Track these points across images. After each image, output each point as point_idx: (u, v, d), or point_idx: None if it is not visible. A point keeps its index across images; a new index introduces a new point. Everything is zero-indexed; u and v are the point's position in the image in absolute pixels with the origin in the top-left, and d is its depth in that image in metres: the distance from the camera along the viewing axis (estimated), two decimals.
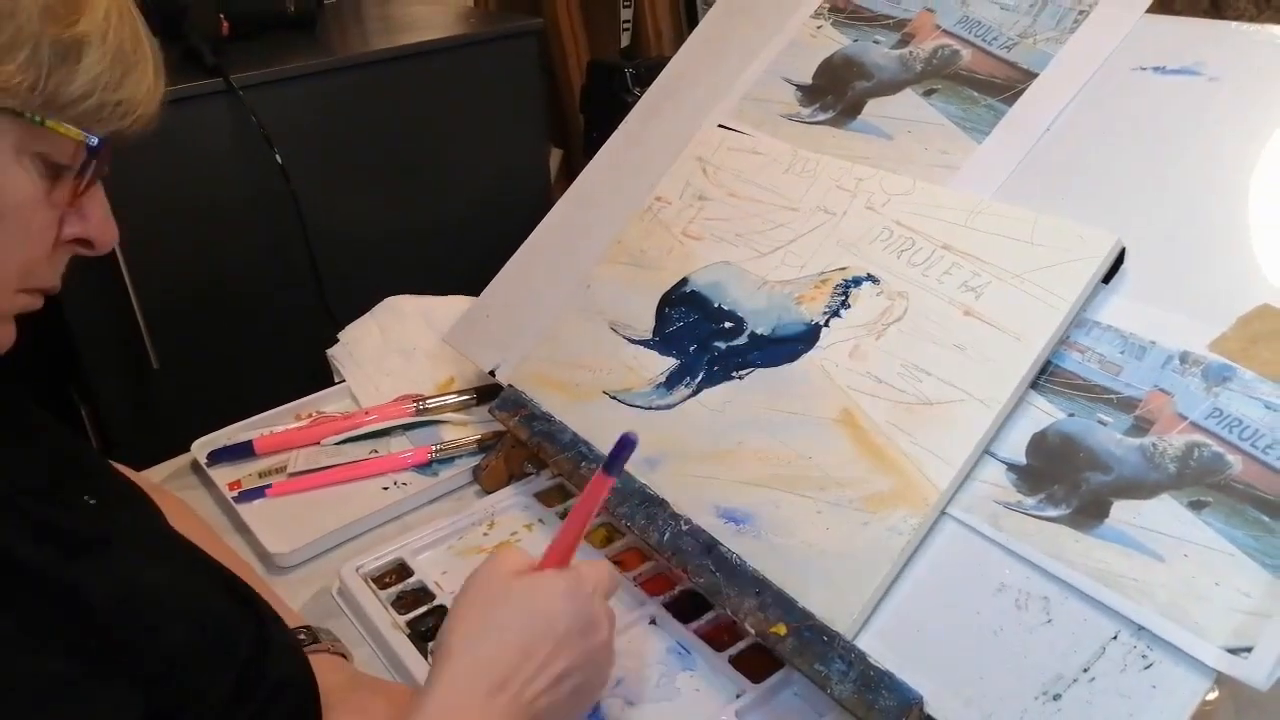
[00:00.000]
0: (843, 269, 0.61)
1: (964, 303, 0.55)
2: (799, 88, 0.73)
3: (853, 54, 0.72)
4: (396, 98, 1.13)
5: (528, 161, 1.28)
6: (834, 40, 0.74)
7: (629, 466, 0.62)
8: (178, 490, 0.75)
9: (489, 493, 0.73)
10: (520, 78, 1.21)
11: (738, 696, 0.54)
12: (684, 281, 0.68)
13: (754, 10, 0.80)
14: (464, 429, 0.80)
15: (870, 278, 0.60)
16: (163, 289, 1.01)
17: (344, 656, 0.57)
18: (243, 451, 0.79)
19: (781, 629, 0.51)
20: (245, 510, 0.73)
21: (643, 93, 0.85)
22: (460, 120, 1.18)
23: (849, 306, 0.60)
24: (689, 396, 0.63)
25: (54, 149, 0.38)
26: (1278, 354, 0.46)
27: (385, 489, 0.75)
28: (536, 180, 1.30)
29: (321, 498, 0.75)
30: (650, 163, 0.77)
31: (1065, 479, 0.49)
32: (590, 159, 0.84)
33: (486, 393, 0.81)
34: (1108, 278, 0.53)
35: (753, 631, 0.53)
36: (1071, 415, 0.51)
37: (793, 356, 0.60)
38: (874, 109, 0.68)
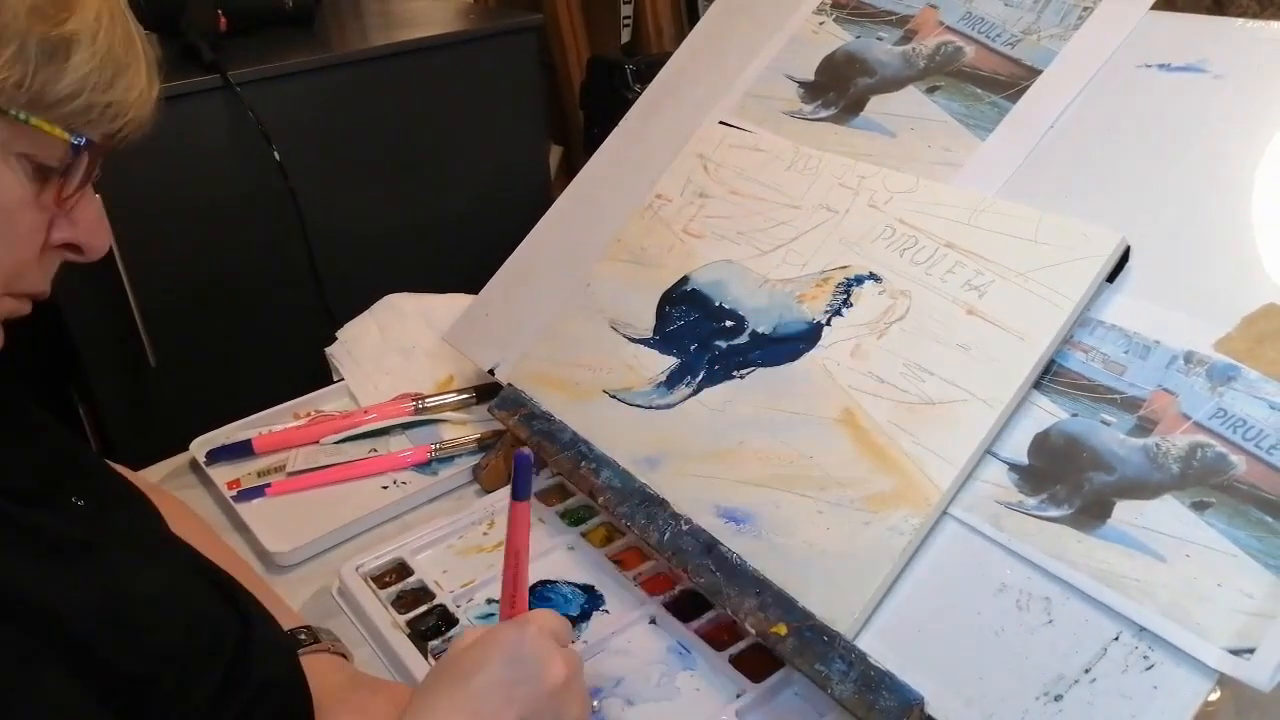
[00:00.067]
0: (845, 267, 0.61)
1: (967, 302, 0.55)
2: (801, 84, 0.73)
3: (855, 50, 0.71)
4: (395, 94, 1.12)
5: (527, 158, 1.28)
6: (836, 36, 0.73)
7: (630, 467, 0.62)
8: (176, 489, 0.75)
9: (489, 492, 0.73)
10: (520, 74, 1.21)
11: (738, 696, 0.54)
12: (685, 280, 0.68)
13: (755, 6, 0.80)
14: (463, 428, 0.80)
15: (872, 276, 0.59)
16: (160, 287, 1.00)
17: (344, 656, 0.57)
18: (241, 450, 0.78)
19: (782, 629, 0.51)
20: (244, 509, 0.72)
21: (643, 89, 0.85)
22: (460, 117, 1.18)
23: (851, 305, 0.59)
24: (689, 396, 0.62)
25: (42, 150, 0.37)
26: None
27: (385, 488, 0.75)
28: (536, 177, 1.29)
29: (321, 497, 0.74)
30: (651, 160, 0.76)
31: (1068, 479, 0.49)
32: (590, 156, 0.83)
33: (486, 391, 0.81)
34: (1112, 276, 0.53)
35: (753, 631, 0.52)
36: (1075, 415, 0.50)
37: (794, 356, 0.60)
38: (876, 106, 0.68)
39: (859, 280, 0.60)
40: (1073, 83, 0.61)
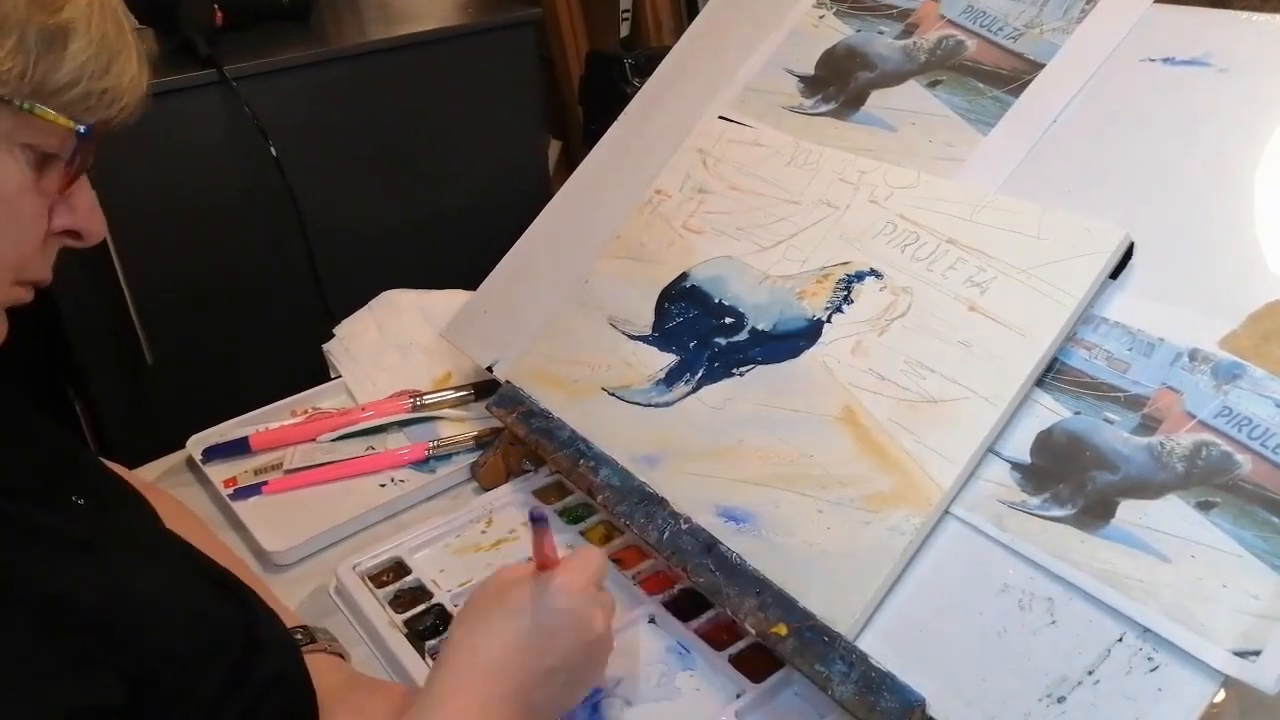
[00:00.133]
0: (845, 264, 0.60)
1: (969, 298, 0.54)
2: (801, 79, 0.72)
3: (856, 44, 0.71)
4: (393, 89, 1.12)
5: (526, 153, 1.27)
6: (836, 30, 0.72)
7: (629, 465, 0.62)
8: (172, 487, 0.74)
9: (487, 490, 0.73)
10: (518, 68, 1.20)
11: (738, 696, 0.54)
12: (684, 276, 0.67)
13: (755, 0, 0.79)
14: (461, 425, 0.80)
15: (873, 273, 0.59)
16: (157, 284, 1.00)
17: (341, 656, 0.56)
18: (238, 448, 0.78)
19: (782, 629, 0.51)
20: (241, 508, 0.72)
21: (642, 84, 0.84)
22: (458, 112, 1.17)
23: (852, 302, 0.59)
24: (689, 393, 0.62)
25: (41, 138, 0.38)
26: None
27: (382, 486, 0.75)
28: (535, 172, 1.29)
29: (318, 495, 0.74)
30: (650, 155, 0.76)
31: (1071, 478, 0.48)
32: (589, 151, 0.83)
33: (484, 389, 0.81)
34: (1115, 273, 0.52)
35: (753, 631, 0.52)
36: (1078, 413, 0.50)
37: (794, 353, 0.59)
38: (877, 100, 0.67)
39: (860, 277, 0.59)
40: (1076, 77, 0.60)
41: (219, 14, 1.05)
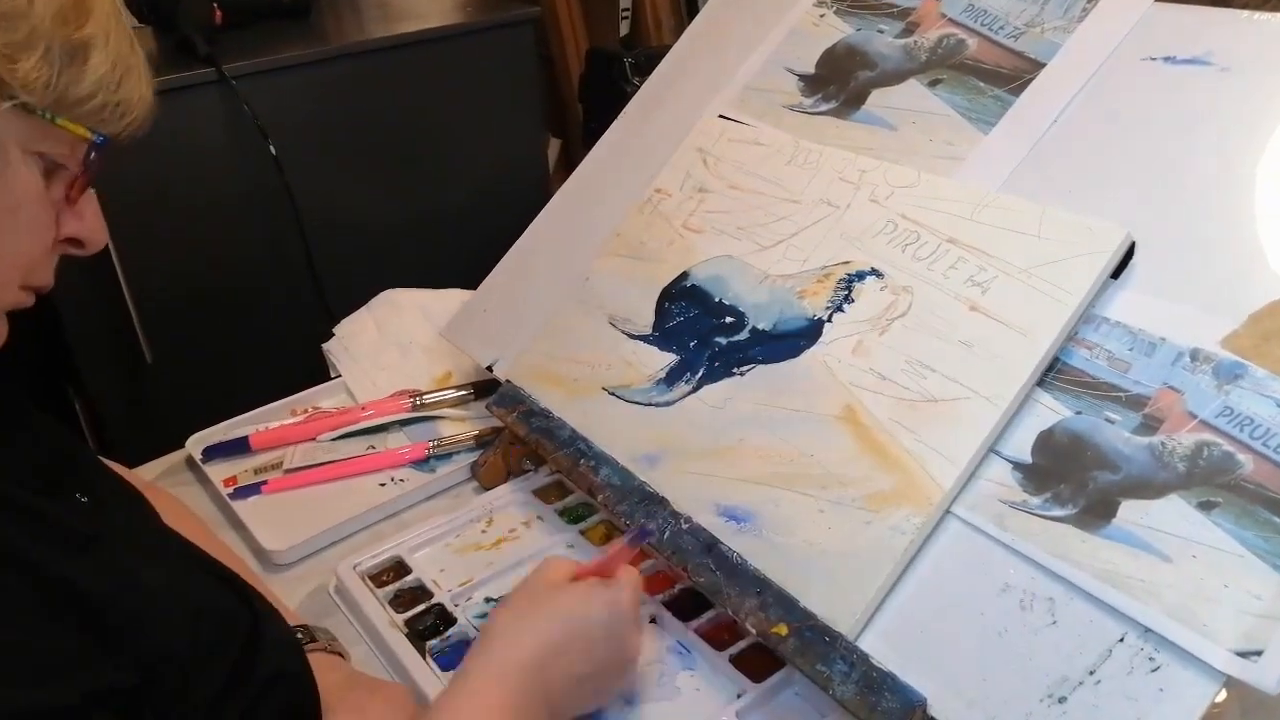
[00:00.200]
0: (846, 263, 0.60)
1: (970, 298, 0.54)
2: (801, 77, 0.72)
3: (856, 43, 0.71)
4: (392, 88, 1.12)
5: (526, 152, 1.27)
6: (837, 29, 0.72)
7: (630, 464, 0.61)
8: (172, 487, 0.74)
9: (487, 489, 0.73)
10: (518, 67, 1.20)
11: (738, 696, 0.54)
12: (684, 275, 0.67)
13: None
14: (462, 424, 0.80)
15: (874, 272, 0.59)
16: (156, 283, 1.00)
17: (341, 655, 0.56)
18: (238, 447, 0.78)
19: (783, 629, 0.51)
20: (241, 507, 0.72)
21: (642, 82, 0.84)
22: (457, 110, 1.17)
23: (852, 301, 0.59)
24: (689, 393, 0.62)
25: (56, 147, 0.40)
26: None
27: (382, 485, 0.75)
28: (534, 171, 1.29)
29: (318, 494, 0.74)
30: (650, 154, 0.75)
31: (1072, 478, 0.48)
32: (589, 149, 0.83)
33: (484, 388, 0.81)
34: (1117, 273, 0.52)
35: (754, 631, 0.52)
36: (1079, 413, 0.50)
37: (795, 352, 0.59)
38: (878, 99, 0.67)
39: (860, 276, 0.59)
40: (1077, 76, 0.60)
41: (218, 12, 1.05)
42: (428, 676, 0.56)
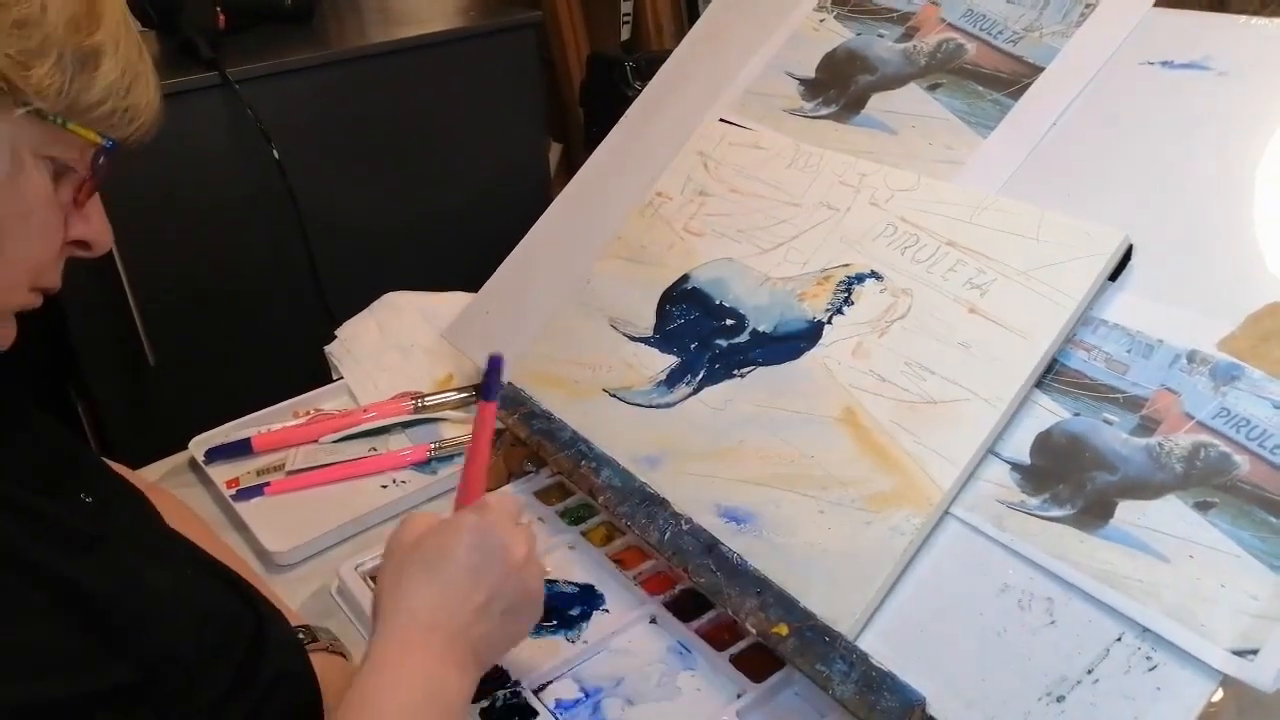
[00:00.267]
0: (846, 266, 0.61)
1: (969, 300, 0.55)
2: (801, 82, 0.73)
3: (856, 47, 0.71)
4: (394, 92, 1.12)
5: (527, 156, 1.27)
6: (837, 33, 0.73)
7: (630, 466, 0.62)
8: (175, 488, 0.75)
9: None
10: (519, 71, 1.21)
11: (739, 696, 0.54)
12: (685, 278, 0.68)
13: (756, 3, 0.80)
14: (463, 427, 0.80)
15: (874, 274, 0.59)
16: (159, 285, 1.00)
17: (343, 656, 0.57)
18: (241, 449, 0.78)
19: (783, 629, 0.51)
20: (243, 508, 0.72)
21: (643, 87, 0.84)
22: (459, 114, 1.18)
23: (852, 304, 0.59)
24: (690, 395, 0.62)
25: (65, 152, 0.41)
26: None
27: (384, 487, 0.75)
28: (536, 175, 1.29)
29: (320, 496, 0.74)
30: (651, 157, 0.76)
31: (1070, 479, 0.48)
32: (590, 153, 0.83)
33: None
34: (1115, 275, 0.52)
35: (754, 631, 0.52)
36: (1077, 414, 0.50)
37: (795, 354, 0.59)
38: (878, 103, 0.68)
39: (860, 278, 0.60)
40: (1075, 80, 0.60)
41: (221, 16, 1.06)
42: None
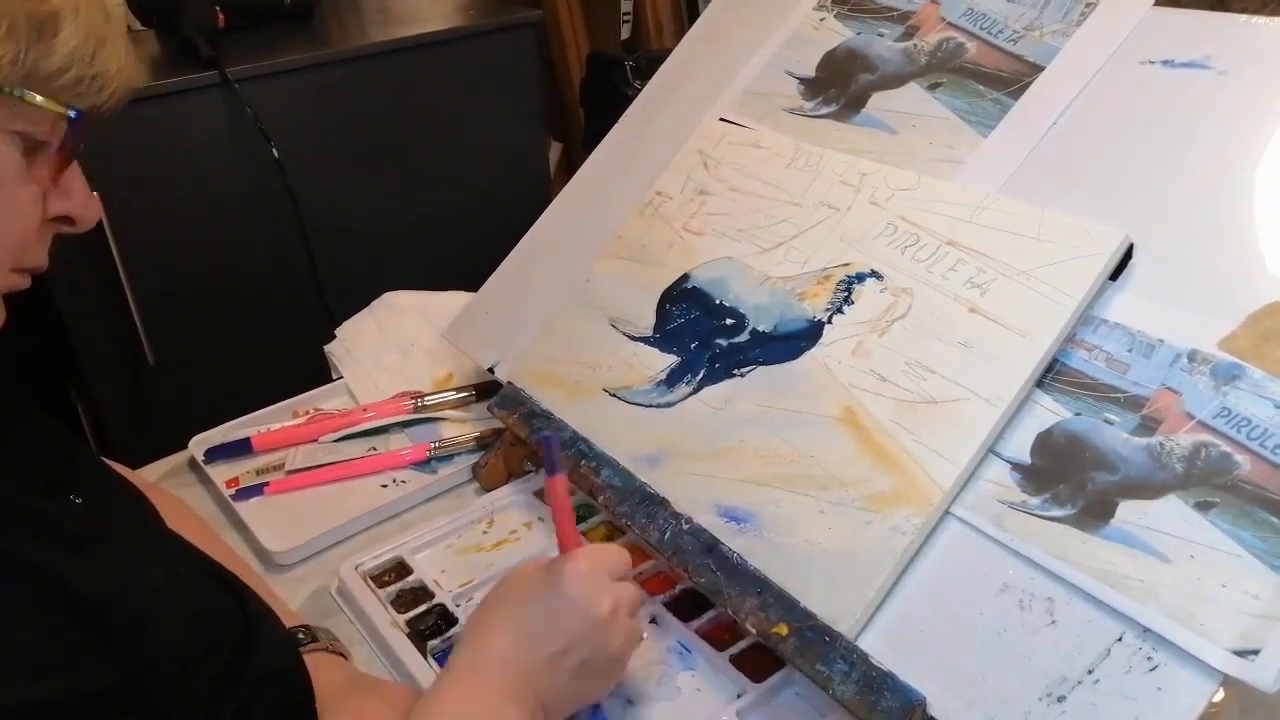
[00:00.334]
0: (846, 265, 0.61)
1: (969, 299, 0.55)
2: (802, 81, 0.73)
3: (856, 47, 0.71)
4: (394, 91, 1.12)
5: (527, 155, 1.27)
6: (837, 33, 0.73)
7: (630, 465, 0.62)
8: (174, 488, 0.74)
9: (488, 490, 0.73)
10: (519, 70, 1.21)
11: (739, 696, 0.54)
12: (685, 277, 0.68)
13: (756, 2, 0.80)
14: (463, 426, 0.80)
15: (874, 274, 0.59)
16: (158, 285, 1.00)
17: (342, 656, 0.57)
18: (240, 449, 0.78)
19: (783, 629, 0.51)
20: (243, 508, 0.72)
21: (643, 86, 0.84)
22: (459, 114, 1.18)
23: (852, 303, 0.59)
24: (690, 394, 0.62)
25: (33, 125, 0.39)
26: None
27: (384, 487, 0.75)
28: (536, 174, 1.29)
29: (320, 495, 0.74)
30: (651, 157, 0.76)
31: (1071, 479, 0.48)
32: (590, 153, 0.83)
33: (485, 389, 0.81)
34: (1115, 275, 0.52)
35: (754, 631, 0.52)
36: (1078, 414, 0.50)
37: (795, 354, 0.59)
38: (878, 103, 0.68)
39: (860, 278, 0.60)
40: (1075, 79, 0.60)
41: (221, 16, 1.06)
42: (429, 676, 0.56)
